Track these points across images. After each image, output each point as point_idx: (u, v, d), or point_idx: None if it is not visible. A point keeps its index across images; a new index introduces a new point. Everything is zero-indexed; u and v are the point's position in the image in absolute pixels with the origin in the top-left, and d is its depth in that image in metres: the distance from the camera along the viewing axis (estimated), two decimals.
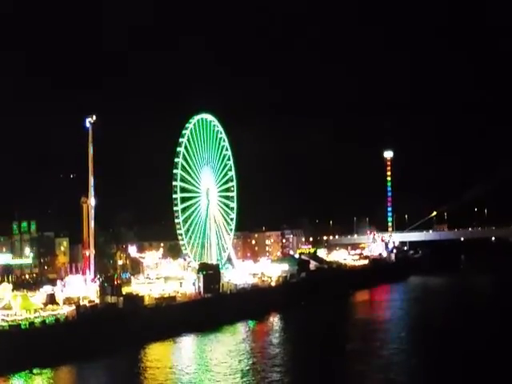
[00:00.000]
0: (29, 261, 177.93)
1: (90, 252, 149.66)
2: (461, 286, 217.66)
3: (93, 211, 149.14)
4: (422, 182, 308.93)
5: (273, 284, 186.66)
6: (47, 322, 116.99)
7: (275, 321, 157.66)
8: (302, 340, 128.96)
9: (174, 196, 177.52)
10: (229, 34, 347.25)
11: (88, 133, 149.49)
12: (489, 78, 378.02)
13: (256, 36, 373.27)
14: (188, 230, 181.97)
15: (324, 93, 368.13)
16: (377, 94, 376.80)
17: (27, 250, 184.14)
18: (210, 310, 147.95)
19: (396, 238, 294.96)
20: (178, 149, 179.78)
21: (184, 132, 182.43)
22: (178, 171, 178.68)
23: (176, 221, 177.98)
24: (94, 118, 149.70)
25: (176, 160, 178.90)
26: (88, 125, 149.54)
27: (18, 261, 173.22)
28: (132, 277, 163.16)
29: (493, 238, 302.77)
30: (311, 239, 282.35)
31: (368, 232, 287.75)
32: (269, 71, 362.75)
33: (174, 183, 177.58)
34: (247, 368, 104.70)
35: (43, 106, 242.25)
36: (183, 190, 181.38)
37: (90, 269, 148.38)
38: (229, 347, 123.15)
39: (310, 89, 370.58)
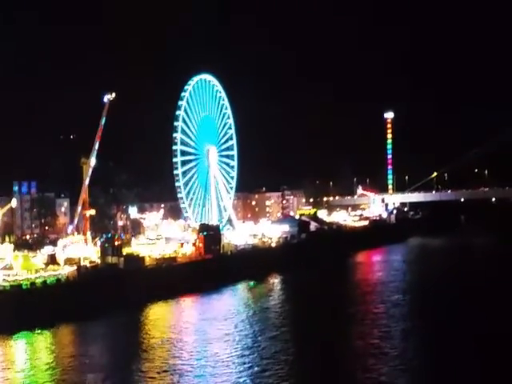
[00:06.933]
0: None
1: (81, 210, 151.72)
2: (459, 246, 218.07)
3: (90, 170, 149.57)
4: (422, 143, 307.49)
5: (273, 245, 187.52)
6: (48, 282, 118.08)
7: (275, 282, 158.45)
8: (300, 302, 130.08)
9: (175, 160, 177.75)
10: None
11: (104, 107, 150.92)
12: (492, 38, 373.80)
13: None
14: (188, 190, 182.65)
15: (324, 53, 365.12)
16: (377, 54, 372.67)
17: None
18: (211, 270, 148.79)
19: (396, 199, 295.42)
20: (178, 112, 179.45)
21: (183, 93, 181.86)
22: (178, 129, 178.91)
23: (176, 179, 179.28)
24: (114, 95, 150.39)
25: (175, 122, 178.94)
26: (106, 100, 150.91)
27: None
28: (133, 237, 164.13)
29: (493, 199, 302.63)
30: (311, 200, 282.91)
31: (359, 191, 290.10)
32: (269, 32, 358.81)
33: (174, 139, 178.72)
34: (244, 330, 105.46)
35: (42, 66, 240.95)
36: (184, 152, 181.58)
37: (74, 225, 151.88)
38: (227, 308, 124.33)
39: (310, 49, 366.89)
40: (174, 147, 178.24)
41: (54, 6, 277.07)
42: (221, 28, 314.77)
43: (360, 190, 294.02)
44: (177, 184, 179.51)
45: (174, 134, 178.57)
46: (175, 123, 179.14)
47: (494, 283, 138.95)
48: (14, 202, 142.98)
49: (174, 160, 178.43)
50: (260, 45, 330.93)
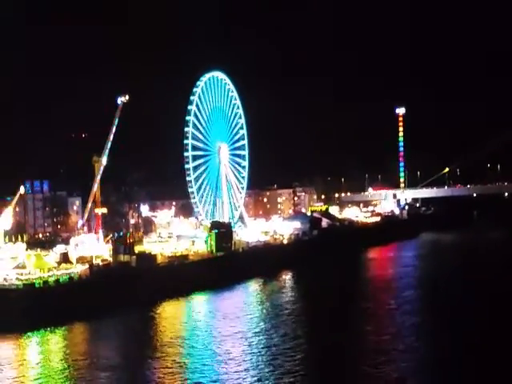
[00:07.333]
0: None
1: (91, 206, 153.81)
2: (471, 242, 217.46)
3: (102, 169, 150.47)
4: (434, 138, 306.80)
5: (285, 242, 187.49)
6: (61, 280, 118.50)
7: (287, 279, 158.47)
8: (312, 298, 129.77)
9: (186, 154, 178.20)
10: None
11: (117, 108, 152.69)
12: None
13: None
14: (199, 186, 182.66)
15: (336, 51, 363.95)
16: (390, 48, 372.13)
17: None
18: (222, 268, 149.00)
19: (408, 194, 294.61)
20: (190, 106, 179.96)
21: (195, 89, 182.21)
22: (189, 124, 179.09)
23: (187, 173, 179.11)
24: (127, 97, 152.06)
25: (187, 117, 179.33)
26: (119, 103, 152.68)
27: None
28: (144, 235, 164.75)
29: (506, 194, 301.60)
30: (323, 197, 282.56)
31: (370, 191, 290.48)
32: (277, 32, 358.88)
33: (185, 134, 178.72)
34: (255, 328, 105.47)
35: (54, 68, 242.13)
36: (195, 148, 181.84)
37: (84, 220, 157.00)
38: (239, 305, 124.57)
39: (319, 48, 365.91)
40: (186, 141, 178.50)
41: (66, 8, 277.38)
42: (226, 28, 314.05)
43: (371, 191, 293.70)
44: (188, 178, 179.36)
45: (186, 129, 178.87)
46: (187, 117, 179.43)
47: (507, 278, 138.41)
48: (22, 190, 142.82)
49: (185, 154, 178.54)
50: (268, 44, 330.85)
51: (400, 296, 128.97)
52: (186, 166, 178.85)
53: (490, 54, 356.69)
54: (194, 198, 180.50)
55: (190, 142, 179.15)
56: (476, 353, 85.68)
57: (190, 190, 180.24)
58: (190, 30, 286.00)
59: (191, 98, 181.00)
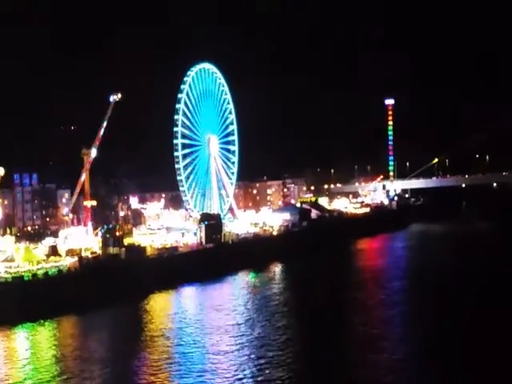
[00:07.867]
0: None
1: (77, 196, 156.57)
2: (460, 233, 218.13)
3: (90, 161, 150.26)
4: (423, 129, 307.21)
5: (274, 233, 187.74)
6: (50, 273, 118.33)
7: (276, 270, 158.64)
8: (301, 290, 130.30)
9: (175, 141, 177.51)
10: None
11: (109, 105, 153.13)
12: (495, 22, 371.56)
13: None
14: (188, 177, 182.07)
15: (323, 40, 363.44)
16: (378, 39, 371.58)
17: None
18: (212, 260, 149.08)
19: (397, 185, 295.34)
20: (180, 95, 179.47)
21: (186, 78, 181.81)
22: (179, 111, 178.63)
23: (176, 160, 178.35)
24: (119, 96, 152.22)
25: (177, 105, 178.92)
26: (111, 100, 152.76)
27: None
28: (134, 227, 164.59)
29: (494, 184, 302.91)
30: (312, 188, 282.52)
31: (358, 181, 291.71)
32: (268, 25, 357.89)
33: (175, 122, 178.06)
34: (245, 319, 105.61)
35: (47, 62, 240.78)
36: (184, 136, 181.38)
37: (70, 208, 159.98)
38: (229, 297, 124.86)
39: (309, 36, 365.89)
40: (175, 129, 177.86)
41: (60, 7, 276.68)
42: (226, 28, 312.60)
43: (362, 184, 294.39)
44: (176, 166, 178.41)
45: (176, 116, 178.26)
46: (177, 105, 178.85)
47: (495, 267, 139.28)
48: (1, 171, 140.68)
49: (175, 142, 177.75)
50: (259, 33, 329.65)
51: (389, 286, 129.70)
52: (175, 154, 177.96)
53: (480, 46, 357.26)
54: (183, 186, 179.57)
55: (179, 129, 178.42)
56: (465, 342, 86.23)
57: (178, 177, 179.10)
58: (189, 29, 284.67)
59: (182, 86, 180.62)
